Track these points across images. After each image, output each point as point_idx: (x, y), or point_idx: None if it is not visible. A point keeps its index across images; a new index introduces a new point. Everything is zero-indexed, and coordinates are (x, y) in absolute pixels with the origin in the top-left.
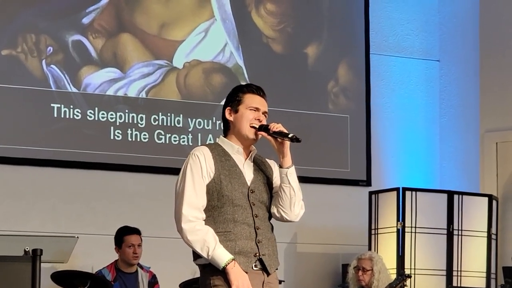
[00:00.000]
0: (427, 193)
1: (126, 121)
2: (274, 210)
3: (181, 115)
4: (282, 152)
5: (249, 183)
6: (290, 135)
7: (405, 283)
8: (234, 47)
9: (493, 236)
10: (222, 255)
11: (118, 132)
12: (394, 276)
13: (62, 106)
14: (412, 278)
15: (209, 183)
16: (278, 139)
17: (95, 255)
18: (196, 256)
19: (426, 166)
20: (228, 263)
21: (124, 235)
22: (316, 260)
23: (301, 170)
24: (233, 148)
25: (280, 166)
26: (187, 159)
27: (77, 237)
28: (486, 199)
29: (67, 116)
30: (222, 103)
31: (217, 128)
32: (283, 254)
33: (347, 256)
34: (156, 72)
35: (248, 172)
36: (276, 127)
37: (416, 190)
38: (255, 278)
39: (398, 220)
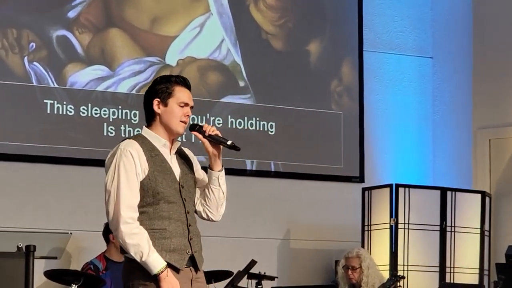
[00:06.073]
0: (420, 190)
1: (120, 117)
2: (199, 209)
3: None
4: (216, 155)
5: (178, 178)
6: (229, 143)
7: (398, 284)
8: (231, 43)
9: (486, 233)
10: (155, 262)
11: (111, 129)
12: (383, 272)
13: (55, 102)
14: (405, 275)
15: (144, 180)
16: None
17: (88, 252)
18: None
19: (419, 162)
20: (162, 271)
21: None
22: (310, 256)
23: (294, 167)
24: (160, 142)
25: (211, 168)
26: (117, 155)
27: (71, 233)
28: (479, 195)
29: (60, 113)
30: (218, 100)
31: (211, 124)
32: (277, 251)
33: (340, 252)
34: (148, 69)
35: (175, 166)
36: (212, 130)
37: (409, 186)
38: (184, 276)
39: (391, 216)
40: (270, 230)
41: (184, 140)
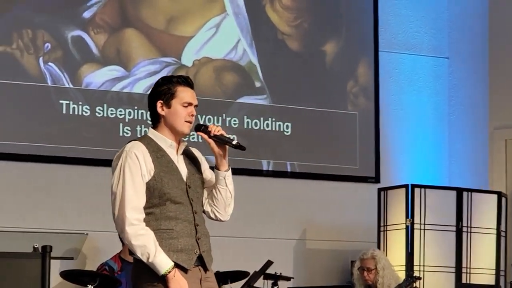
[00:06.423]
0: (436, 190)
1: (135, 117)
2: (207, 209)
3: None
4: (222, 155)
5: (185, 179)
6: (234, 142)
7: (414, 285)
8: (247, 44)
9: (502, 233)
10: (162, 262)
11: (127, 129)
12: (399, 272)
13: (71, 102)
14: (421, 275)
15: (150, 181)
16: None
17: (103, 252)
18: None
19: (435, 163)
20: (169, 271)
21: None
22: (325, 257)
23: (310, 167)
24: (166, 143)
25: (217, 168)
26: (123, 156)
27: (87, 234)
28: (495, 196)
29: (76, 113)
30: (234, 100)
31: (227, 125)
32: (292, 251)
33: (356, 253)
34: (163, 70)
35: (182, 167)
36: (217, 130)
37: (425, 187)
38: (193, 275)
39: (407, 217)
40: (286, 231)
41: (199, 140)
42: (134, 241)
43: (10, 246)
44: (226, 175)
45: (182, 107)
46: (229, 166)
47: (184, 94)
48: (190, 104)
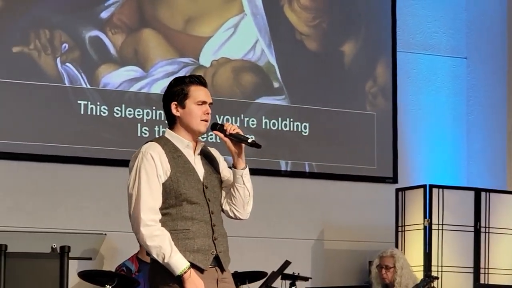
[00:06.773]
0: (454, 191)
1: (153, 118)
2: (226, 208)
3: None
4: (238, 154)
5: (202, 179)
6: (249, 140)
7: (432, 285)
8: (265, 44)
9: None
10: (178, 263)
11: (145, 129)
12: (417, 272)
13: (89, 103)
14: (439, 275)
15: (166, 181)
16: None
17: (121, 253)
18: None
19: (453, 163)
20: (185, 272)
21: None
22: (343, 257)
23: (328, 167)
24: (183, 143)
25: (235, 167)
26: (139, 158)
27: (105, 234)
28: None
29: (94, 113)
30: (252, 101)
31: (245, 125)
32: (310, 251)
33: (374, 253)
34: (181, 70)
35: (199, 167)
36: (233, 128)
37: (443, 187)
38: (209, 276)
39: (425, 217)
40: (304, 231)
41: (218, 140)
42: (149, 242)
43: (29, 246)
44: (243, 173)
45: (196, 106)
46: (246, 164)
47: (197, 93)
48: (204, 102)
